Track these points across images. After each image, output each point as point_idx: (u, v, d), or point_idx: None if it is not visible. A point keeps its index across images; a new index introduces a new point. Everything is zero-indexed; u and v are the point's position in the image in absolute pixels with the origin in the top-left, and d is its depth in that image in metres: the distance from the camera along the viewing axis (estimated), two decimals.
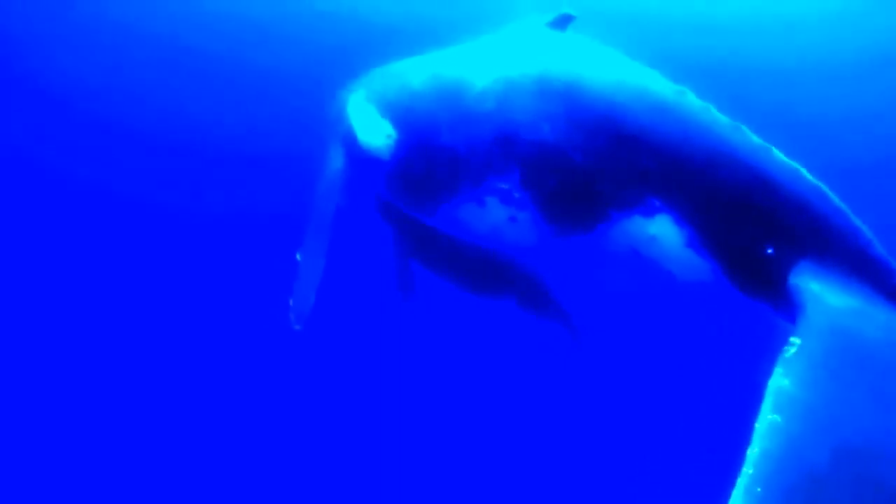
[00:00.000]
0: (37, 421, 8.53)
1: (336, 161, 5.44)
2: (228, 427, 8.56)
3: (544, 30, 4.79)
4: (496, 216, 4.56)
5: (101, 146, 9.60)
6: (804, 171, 3.45)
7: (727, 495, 2.23)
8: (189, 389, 8.56)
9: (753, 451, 2.32)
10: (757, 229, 3.53)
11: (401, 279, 5.79)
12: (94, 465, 8.16)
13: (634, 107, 3.97)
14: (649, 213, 3.91)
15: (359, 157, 5.31)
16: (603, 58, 4.39)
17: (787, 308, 3.32)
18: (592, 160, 4.04)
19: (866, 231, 3.44)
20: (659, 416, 7.93)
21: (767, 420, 2.42)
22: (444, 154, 4.64)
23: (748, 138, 3.63)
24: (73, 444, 8.37)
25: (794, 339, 2.82)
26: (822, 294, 3.12)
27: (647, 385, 7.88)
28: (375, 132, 5.05)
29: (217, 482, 8.12)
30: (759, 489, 2.19)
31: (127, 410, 8.62)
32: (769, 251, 3.44)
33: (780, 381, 2.57)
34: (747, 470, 2.27)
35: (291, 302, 4.47)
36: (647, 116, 3.93)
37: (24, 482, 7.99)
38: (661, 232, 3.89)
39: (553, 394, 7.55)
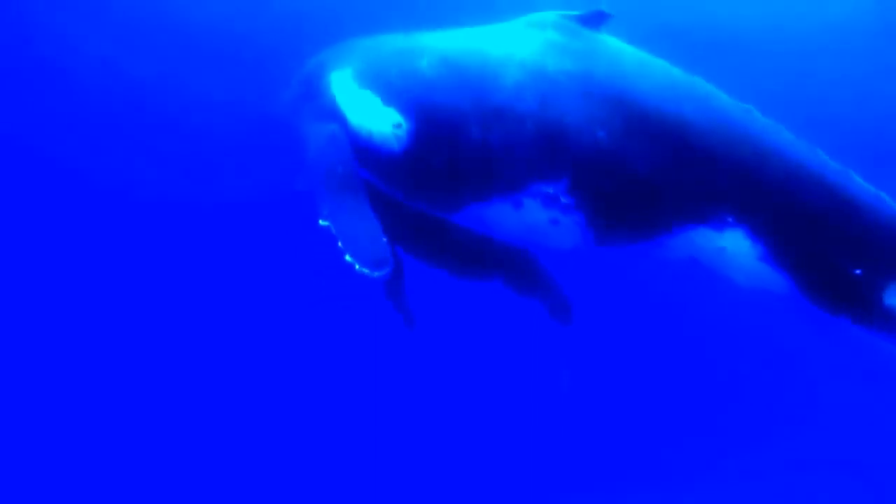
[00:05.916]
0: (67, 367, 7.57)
1: (325, 128, 4.78)
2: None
3: (574, 25, 4.60)
4: (534, 218, 4.36)
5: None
6: (886, 197, 3.75)
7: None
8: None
9: None
10: (840, 250, 3.74)
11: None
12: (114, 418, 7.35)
13: (704, 121, 3.98)
14: (720, 227, 3.98)
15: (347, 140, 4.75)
16: (654, 66, 4.32)
17: (883, 325, 3.64)
18: (658, 172, 4.00)
19: None
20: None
21: None
22: (474, 153, 4.30)
23: (826, 161, 3.84)
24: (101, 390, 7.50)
25: None
26: None
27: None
28: (379, 119, 4.54)
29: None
30: None
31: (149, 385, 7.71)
32: (857, 272, 3.71)
33: None
34: None
35: (349, 257, 3.86)
36: (718, 133, 3.95)
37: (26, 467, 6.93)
38: (732, 245, 3.99)
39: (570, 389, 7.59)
